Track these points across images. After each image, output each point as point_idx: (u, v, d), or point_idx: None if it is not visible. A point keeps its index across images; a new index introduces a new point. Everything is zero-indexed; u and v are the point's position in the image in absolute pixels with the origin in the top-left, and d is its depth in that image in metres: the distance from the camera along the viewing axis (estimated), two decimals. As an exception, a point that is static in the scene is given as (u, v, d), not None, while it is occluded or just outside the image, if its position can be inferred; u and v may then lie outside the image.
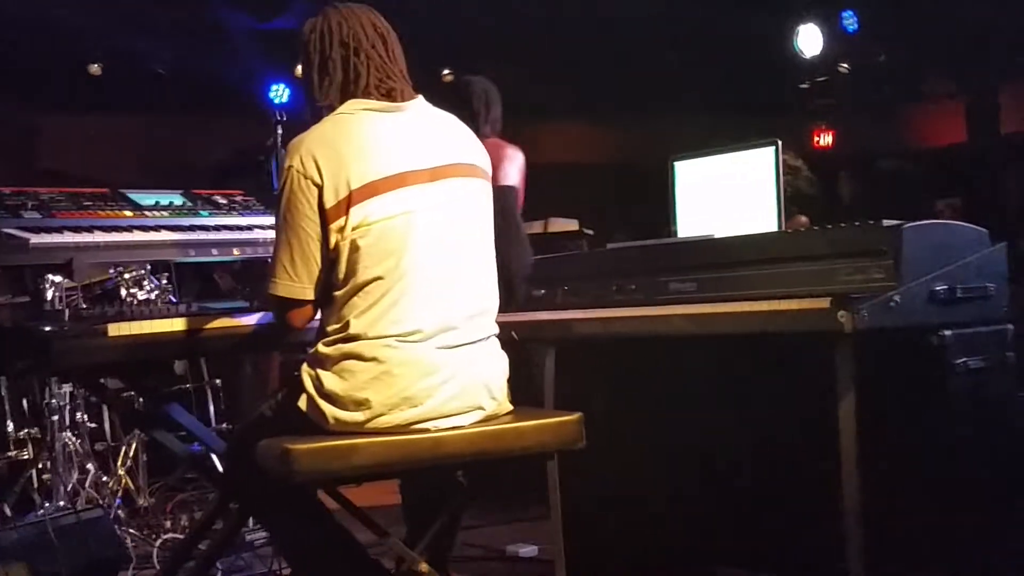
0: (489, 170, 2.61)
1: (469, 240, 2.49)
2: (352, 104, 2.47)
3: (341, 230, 2.36)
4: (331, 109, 2.49)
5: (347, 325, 2.37)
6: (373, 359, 2.35)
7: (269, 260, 2.51)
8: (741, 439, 2.81)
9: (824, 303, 2.34)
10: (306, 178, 2.37)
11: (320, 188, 2.36)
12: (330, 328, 2.41)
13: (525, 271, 3.51)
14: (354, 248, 2.36)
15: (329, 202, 2.36)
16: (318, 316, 2.50)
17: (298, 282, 2.40)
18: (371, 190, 2.36)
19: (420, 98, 2.56)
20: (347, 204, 2.35)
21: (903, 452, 2.45)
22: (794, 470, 2.68)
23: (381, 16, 2.57)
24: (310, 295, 2.42)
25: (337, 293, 2.40)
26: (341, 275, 2.38)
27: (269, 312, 2.69)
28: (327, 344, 2.40)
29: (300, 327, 2.49)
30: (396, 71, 2.52)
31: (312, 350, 2.44)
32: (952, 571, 2.49)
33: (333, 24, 2.51)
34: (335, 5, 2.55)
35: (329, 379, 2.37)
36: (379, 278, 2.36)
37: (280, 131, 5.46)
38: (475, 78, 4.70)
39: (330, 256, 2.38)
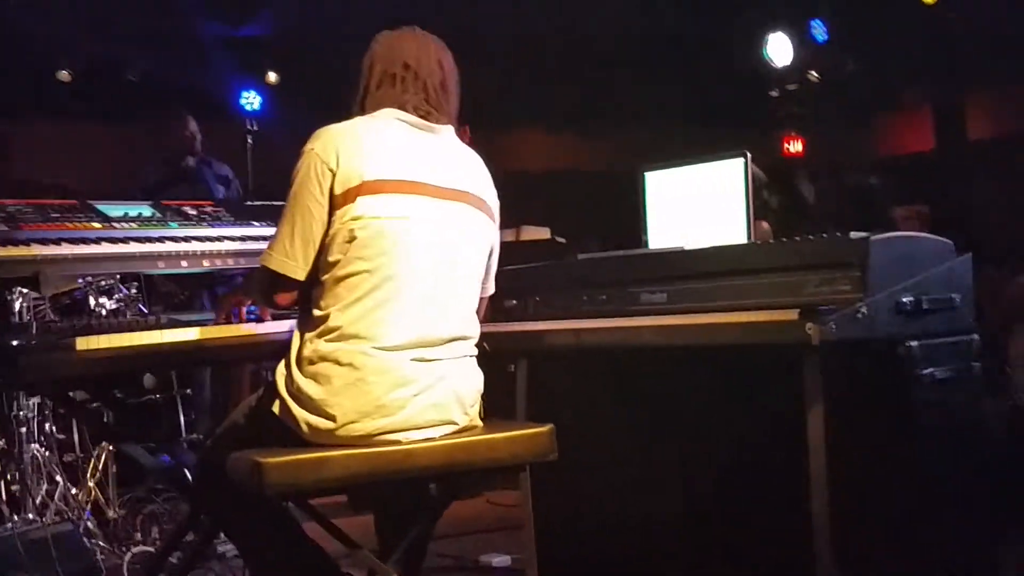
0: (497, 213, 2.66)
1: (461, 265, 2.52)
2: (387, 112, 2.53)
3: (342, 218, 2.39)
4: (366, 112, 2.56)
5: (328, 317, 2.39)
6: (349, 364, 2.36)
7: (235, 272, 2.52)
8: (711, 450, 2.83)
9: (792, 315, 2.35)
10: (323, 162, 2.42)
11: (334, 175, 2.40)
12: (314, 315, 2.43)
13: None
14: (350, 237, 2.39)
15: (339, 189, 2.40)
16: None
17: (292, 260, 2.43)
18: (380, 187, 2.41)
19: (451, 129, 2.61)
20: (355, 194, 2.39)
21: (871, 463, 2.47)
22: (764, 481, 2.70)
23: (451, 56, 2.65)
24: (300, 275, 2.44)
25: (324, 278, 2.42)
26: (331, 260, 2.40)
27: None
28: (305, 340, 2.41)
29: (284, 305, 2.52)
30: (440, 103, 2.58)
31: (291, 346, 2.44)
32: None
33: (406, 45, 2.60)
34: (415, 29, 2.65)
35: (303, 382, 2.38)
36: (366, 272, 2.38)
37: (251, 139, 5.44)
38: None
39: (326, 241, 2.41)
